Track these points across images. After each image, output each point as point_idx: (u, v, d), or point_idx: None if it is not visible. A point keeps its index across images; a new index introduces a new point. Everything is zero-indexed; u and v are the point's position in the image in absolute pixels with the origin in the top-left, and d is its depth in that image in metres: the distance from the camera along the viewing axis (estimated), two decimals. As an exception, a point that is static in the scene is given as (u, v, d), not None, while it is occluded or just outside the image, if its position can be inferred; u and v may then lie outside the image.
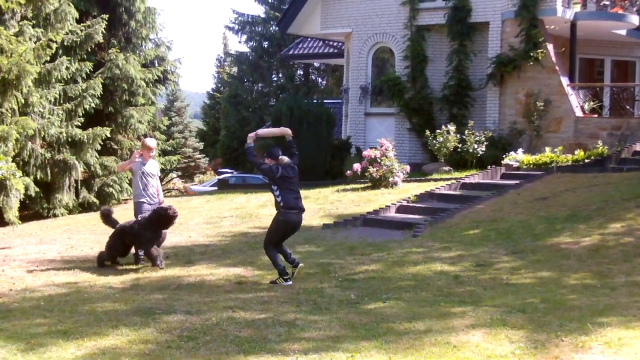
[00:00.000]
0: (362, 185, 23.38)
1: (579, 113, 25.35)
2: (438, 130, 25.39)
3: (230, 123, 61.82)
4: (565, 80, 25.74)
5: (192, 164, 65.00)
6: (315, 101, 29.82)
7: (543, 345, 8.20)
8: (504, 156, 23.85)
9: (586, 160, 22.33)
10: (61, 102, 26.37)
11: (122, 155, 29.63)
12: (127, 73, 28.80)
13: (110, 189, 28.59)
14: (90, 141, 26.48)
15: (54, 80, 24.97)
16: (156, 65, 32.74)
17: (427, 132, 25.68)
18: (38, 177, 25.07)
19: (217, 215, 21.52)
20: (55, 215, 26.02)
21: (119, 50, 29.32)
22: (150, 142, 15.70)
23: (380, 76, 29.33)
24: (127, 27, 30.97)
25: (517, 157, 23.42)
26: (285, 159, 13.09)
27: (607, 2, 27.67)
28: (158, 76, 31.66)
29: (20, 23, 23.24)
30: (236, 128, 60.62)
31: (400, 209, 20.00)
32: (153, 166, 15.59)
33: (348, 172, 24.29)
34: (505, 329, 8.92)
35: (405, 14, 28.55)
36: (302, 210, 13.11)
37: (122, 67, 28.69)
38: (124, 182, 29.05)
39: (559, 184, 19.99)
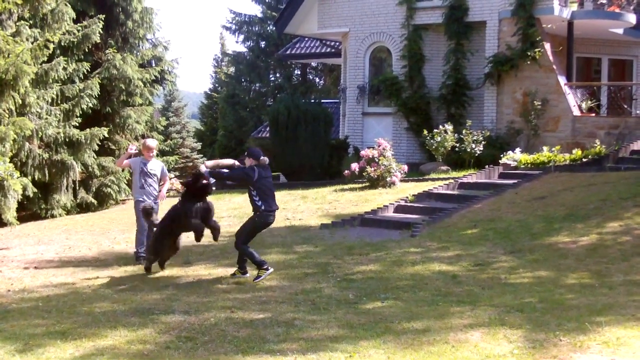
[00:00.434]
0: (360, 185, 23.38)
1: (576, 112, 25.36)
2: (436, 130, 25.39)
3: (228, 123, 61.73)
4: (562, 79, 25.75)
5: (190, 164, 64.88)
6: (312, 101, 29.82)
7: (541, 344, 8.22)
8: (501, 155, 23.84)
9: (584, 160, 22.33)
10: (58, 102, 26.38)
11: (120, 156, 29.59)
12: (125, 73, 28.80)
13: (109, 189, 28.60)
14: (88, 141, 26.47)
15: (51, 80, 24.98)
16: (153, 65, 32.73)
17: (425, 132, 25.67)
18: (36, 177, 25.05)
19: (215, 215, 21.48)
20: (53, 216, 26.02)
21: (116, 51, 29.32)
22: (151, 142, 15.92)
23: (377, 76, 29.33)
24: (124, 27, 30.96)
25: (514, 157, 23.42)
26: (266, 160, 13.14)
27: (604, 1, 27.67)
28: (155, 76, 31.66)
29: (17, 23, 23.23)
30: (234, 128, 60.55)
31: (398, 209, 20.00)
32: (154, 165, 15.69)
33: (346, 171, 24.28)
34: (504, 328, 8.93)
35: (402, 13, 28.56)
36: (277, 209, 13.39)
37: (120, 67, 28.68)
38: (122, 183, 29.05)
39: (557, 184, 19.99)
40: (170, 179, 22.72)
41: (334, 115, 31.54)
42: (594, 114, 26.13)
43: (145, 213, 14.51)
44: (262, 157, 13.01)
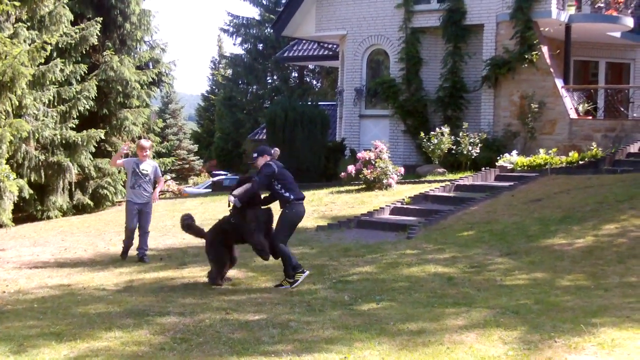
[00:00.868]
0: (356, 187, 23.38)
1: (573, 115, 25.37)
2: (432, 132, 25.37)
3: (225, 125, 61.88)
4: (559, 82, 25.76)
5: (187, 166, 65.04)
6: (309, 103, 29.86)
7: (536, 346, 8.22)
8: (498, 158, 23.84)
9: (580, 162, 22.34)
10: (55, 104, 26.34)
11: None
12: (122, 75, 28.76)
13: (105, 191, 28.55)
14: (85, 143, 26.43)
15: (48, 82, 24.94)
16: (151, 67, 32.67)
17: (422, 134, 25.65)
18: (32, 179, 25.01)
19: (211, 217, 21.46)
20: (49, 218, 25.96)
21: (113, 53, 29.27)
22: (144, 142, 16.17)
23: (374, 78, 29.37)
24: (122, 30, 30.91)
25: (511, 159, 23.43)
26: (278, 150, 13.00)
27: (602, 4, 27.71)
28: (152, 78, 31.61)
29: (14, 25, 23.21)
30: (230, 130, 60.68)
31: (394, 211, 20.01)
32: (147, 166, 15.85)
33: (342, 174, 24.29)
34: (499, 330, 8.93)
35: (400, 16, 28.58)
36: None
37: (117, 69, 28.64)
38: (118, 184, 29.01)
39: (553, 186, 20.00)
40: (165, 181, 22.71)
41: (331, 117, 31.53)
42: (590, 117, 26.14)
43: (186, 227, 14.06)
44: (273, 151, 12.87)
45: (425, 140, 25.34)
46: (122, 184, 28.65)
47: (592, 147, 23.04)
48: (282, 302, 11.11)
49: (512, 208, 18.23)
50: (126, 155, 16.22)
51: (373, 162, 23.02)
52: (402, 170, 23.70)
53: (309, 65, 56.73)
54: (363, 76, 29.85)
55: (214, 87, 74.28)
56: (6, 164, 20.97)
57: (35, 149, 25.41)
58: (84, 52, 27.98)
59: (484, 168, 23.42)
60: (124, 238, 16.02)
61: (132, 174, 15.67)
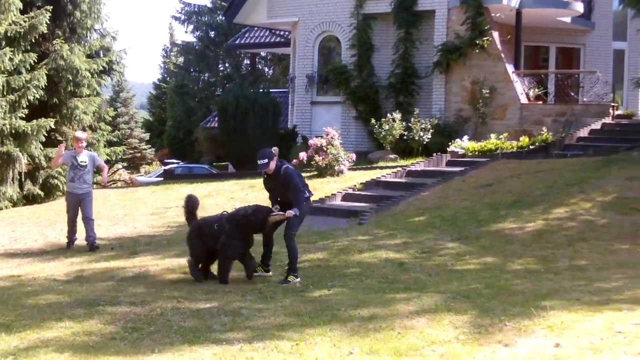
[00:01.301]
0: (308, 174, 23.34)
1: (524, 100, 25.53)
2: (384, 119, 25.41)
3: (177, 113, 61.57)
4: (510, 68, 25.91)
5: (138, 154, 64.65)
6: (261, 90, 29.84)
7: (487, 330, 8.26)
8: (449, 143, 23.94)
9: (531, 147, 22.50)
10: (4, 93, 26.03)
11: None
12: (72, 64, 28.47)
13: (55, 181, 28.28)
14: (35, 133, 26.18)
15: (-4, 71, 24.69)
16: (101, 55, 32.36)
17: (373, 121, 25.68)
18: (-19, 169, 24.78)
19: (162, 205, 21.43)
20: (-1, 208, 25.73)
21: (63, 41, 28.98)
22: (79, 133, 16.63)
23: (326, 65, 29.37)
24: (72, 18, 30.59)
25: (462, 144, 23.53)
26: (277, 150, 12.74)
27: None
28: (103, 67, 31.32)
29: (-39, 14, 22.95)
30: (182, 118, 60.39)
31: (346, 197, 20.03)
32: (85, 157, 16.10)
33: (294, 160, 24.23)
34: (450, 314, 8.97)
35: (351, 2, 28.55)
36: None
37: (67, 58, 28.34)
38: (68, 174, 28.75)
39: (504, 171, 20.11)
40: (117, 170, 22.62)
41: (283, 104, 31.56)
42: (541, 102, 26.33)
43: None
44: (273, 149, 12.54)
45: (376, 126, 25.37)
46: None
47: (542, 132, 23.19)
48: (234, 290, 11.10)
49: (463, 193, 18.32)
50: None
51: (325, 149, 23.02)
52: (353, 156, 23.70)
53: (261, 53, 56.56)
54: (315, 63, 29.82)
55: (165, 75, 73.86)
56: (-46, 154, 20.75)
57: (-16, 139, 25.14)
58: (34, 40, 27.66)
59: (435, 154, 23.49)
60: (67, 230, 16.28)
61: (70, 167, 15.98)
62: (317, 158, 22.94)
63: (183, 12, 63.10)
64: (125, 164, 57.24)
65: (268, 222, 12.05)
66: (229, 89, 34.01)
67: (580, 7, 27.55)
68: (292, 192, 11.90)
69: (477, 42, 25.91)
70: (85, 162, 15.97)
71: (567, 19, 28.41)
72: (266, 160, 12.06)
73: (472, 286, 10.66)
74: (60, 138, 28.92)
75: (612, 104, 26.12)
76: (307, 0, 29.66)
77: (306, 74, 29.69)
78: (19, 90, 26.24)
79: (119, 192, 26.69)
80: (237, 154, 27.23)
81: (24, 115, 26.48)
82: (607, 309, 8.85)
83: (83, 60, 29.30)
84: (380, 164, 24.33)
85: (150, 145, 67.26)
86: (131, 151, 60.43)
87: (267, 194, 12.89)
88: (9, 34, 26.27)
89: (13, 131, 25.71)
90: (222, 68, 63.17)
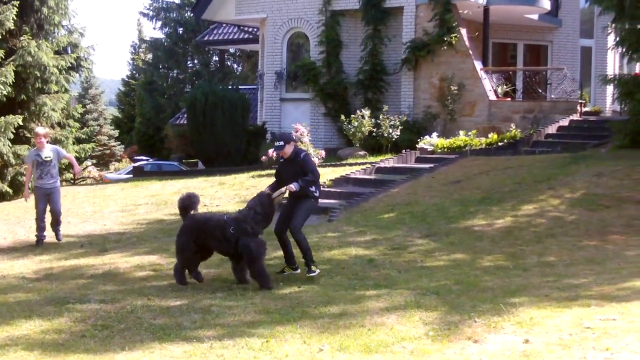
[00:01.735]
0: (278, 171, 23.31)
1: (492, 97, 25.64)
2: (353, 115, 25.44)
3: (146, 110, 61.40)
4: (478, 65, 26.01)
5: (108, 151, 64.29)
6: (230, 87, 29.75)
7: (456, 326, 8.28)
8: (418, 140, 24.01)
9: (499, 144, 22.60)
10: (-29, 90, 25.94)
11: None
12: (40, 60, 28.33)
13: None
14: (2, 130, 26.05)
15: (-38, 67, 24.54)
16: (69, 52, 32.25)
17: (342, 117, 25.73)
18: (-52, 167, 24.62)
19: (132, 202, 21.33)
20: (-34, 206, 25.56)
21: (31, 37, 28.84)
22: (39, 129, 16.70)
23: (295, 61, 29.33)
24: (39, 14, 30.44)
25: (431, 141, 23.60)
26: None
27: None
28: (71, 63, 31.21)
29: None
30: (151, 115, 60.24)
31: (316, 194, 20.00)
32: (48, 152, 16.14)
33: (263, 157, 24.15)
34: (419, 311, 8.99)
35: (319, -1, 28.55)
36: None
37: (35, 54, 28.21)
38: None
39: (473, 167, 20.18)
40: (86, 167, 22.54)
41: (252, 101, 31.52)
42: (509, 99, 26.46)
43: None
44: (293, 134, 12.02)
45: (346, 123, 25.40)
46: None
47: (511, 129, 23.32)
48: (204, 287, 11.07)
49: (433, 190, 18.36)
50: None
51: (294, 146, 22.96)
52: (323, 153, 23.68)
53: (230, 49, 56.49)
54: (283, 59, 29.78)
55: (134, 72, 73.56)
56: None
57: (-49, 136, 24.98)
58: (0, 37, 27.51)
59: (404, 150, 23.54)
60: (36, 226, 16.21)
61: (36, 166, 16.03)
62: (286, 155, 22.88)
63: (151, 8, 62.85)
64: (94, 161, 56.93)
65: (273, 203, 11.71)
66: (197, 85, 33.83)
67: (547, 4, 27.71)
68: (305, 178, 11.48)
69: (445, 39, 25.97)
70: (50, 157, 16.03)
71: (535, 16, 28.55)
72: (282, 143, 11.63)
73: (442, 283, 10.69)
74: (28, 135, 28.76)
75: (580, 101, 26.33)
76: (276, -3, 29.65)
77: (275, 70, 29.64)
78: (-14, 87, 26.11)
79: (88, 189, 26.54)
80: (206, 150, 27.15)
81: (-9, 112, 26.36)
82: (576, 304, 8.88)
83: (51, 56, 29.17)
84: (350, 160, 24.34)
85: (119, 142, 66.97)
86: (100, 148, 60.10)
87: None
88: (-26, 30, 26.13)
89: (-20, 128, 25.58)
90: (190, 65, 63.03)
